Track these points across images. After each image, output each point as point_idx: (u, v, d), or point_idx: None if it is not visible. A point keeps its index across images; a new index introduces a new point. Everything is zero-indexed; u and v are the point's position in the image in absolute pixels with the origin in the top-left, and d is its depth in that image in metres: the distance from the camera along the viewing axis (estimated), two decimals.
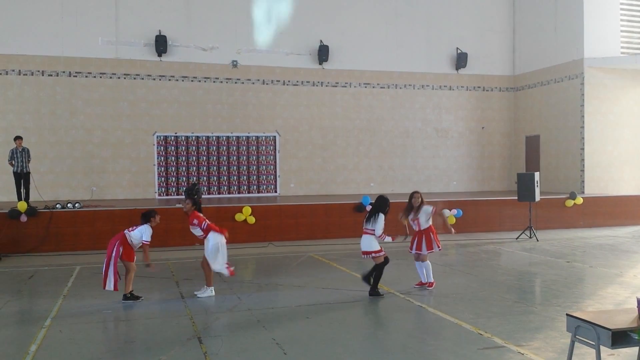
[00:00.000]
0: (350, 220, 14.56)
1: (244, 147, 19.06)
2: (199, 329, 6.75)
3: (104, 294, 8.42)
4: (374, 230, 8.32)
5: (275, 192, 19.33)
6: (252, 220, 14.36)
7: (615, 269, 10.44)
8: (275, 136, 19.31)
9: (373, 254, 8.34)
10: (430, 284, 8.85)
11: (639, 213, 17.68)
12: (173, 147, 18.44)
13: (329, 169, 19.89)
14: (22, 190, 14.10)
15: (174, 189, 18.39)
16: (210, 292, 8.45)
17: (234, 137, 18.95)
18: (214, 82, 18.79)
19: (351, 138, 20.11)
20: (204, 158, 18.71)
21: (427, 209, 8.84)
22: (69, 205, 13.73)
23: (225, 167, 18.91)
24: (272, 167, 19.34)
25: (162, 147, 18.32)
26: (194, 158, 18.60)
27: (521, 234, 14.89)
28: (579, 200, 16.93)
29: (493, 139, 21.76)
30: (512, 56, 22.03)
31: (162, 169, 18.34)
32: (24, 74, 17.17)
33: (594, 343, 4.38)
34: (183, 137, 18.49)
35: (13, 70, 17.09)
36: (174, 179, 18.45)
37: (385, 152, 20.46)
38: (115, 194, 17.78)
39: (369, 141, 20.31)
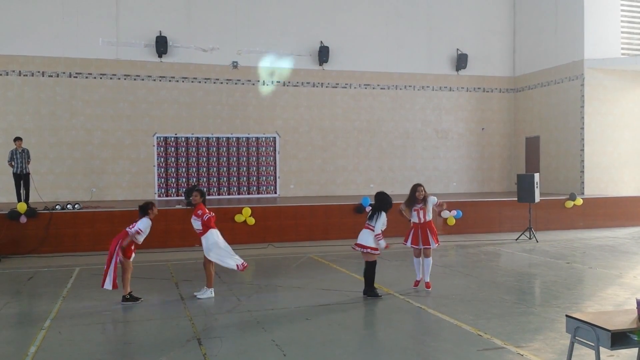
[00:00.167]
0: (350, 222, 14.56)
1: (244, 148, 19.07)
2: (199, 330, 6.74)
3: (103, 296, 8.41)
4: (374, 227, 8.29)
5: (275, 193, 19.33)
6: (251, 221, 14.36)
7: (615, 270, 10.44)
8: (275, 137, 19.31)
9: (369, 250, 8.24)
10: (429, 284, 8.82)
11: (638, 214, 17.67)
12: (173, 148, 18.45)
13: (329, 170, 19.89)
14: (21, 191, 14.08)
15: (173, 190, 18.40)
16: (210, 293, 8.45)
17: (234, 138, 18.96)
18: (214, 83, 18.80)
19: (351, 139, 20.12)
20: (204, 159, 18.72)
21: (433, 199, 8.86)
22: (68, 206, 13.73)
23: (225, 168, 18.91)
24: (272, 168, 19.35)
25: (162, 148, 18.33)
26: (194, 159, 18.61)
27: (521, 235, 14.88)
28: (579, 201, 16.92)
29: (493, 140, 21.77)
30: (512, 57, 22.03)
31: (162, 170, 18.34)
32: (24, 75, 17.18)
33: (593, 344, 4.38)
34: (183, 138, 18.50)
35: (13, 71, 17.10)
36: (173, 180, 18.45)
37: (385, 153, 20.46)
38: (115, 195, 17.78)
39: (369, 142, 20.31)
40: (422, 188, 8.83)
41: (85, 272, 10.67)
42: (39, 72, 17.30)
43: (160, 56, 18.12)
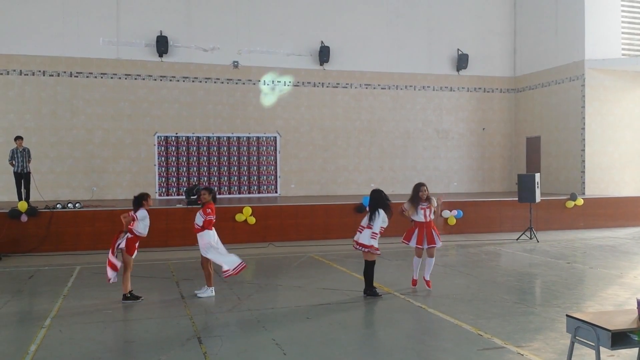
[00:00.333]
0: (351, 221, 14.50)
1: (245, 148, 19.07)
2: (199, 329, 6.75)
3: (104, 294, 8.43)
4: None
5: (276, 192, 19.33)
6: (252, 220, 14.36)
7: (616, 270, 10.44)
8: (275, 137, 19.32)
9: (370, 249, 8.22)
10: (429, 283, 8.83)
11: (639, 214, 17.67)
12: (174, 148, 18.45)
13: (330, 170, 19.89)
14: (22, 190, 14.11)
15: (174, 189, 18.40)
16: (210, 292, 8.46)
17: (235, 138, 18.96)
18: (215, 82, 18.80)
19: (352, 139, 20.12)
20: (205, 158, 18.72)
21: (433, 200, 8.87)
22: (69, 205, 13.74)
23: (225, 168, 18.92)
24: (272, 167, 19.35)
25: (162, 148, 18.33)
26: (195, 158, 18.61)
27: (521, 235, 14.88)
28: (580, 201, 16.92)
29: (494, 140, 21.76)
30: (513, 57, 22.03)
31: (163, 169, 18.35)
32: (25, 74, 17.19)
33: (593, 344, 4.38)
34: (184, 138, 18.50)
35: (14, 70, 17.11)
36: (174, 179, 18.46)
37: (385, 153, 20.46)
38: (115, 194, 17.79)
39: (370, 142, 20.32)
40: (425, 187, 8.83)
41: (85, 271, 10.68)
42: (39, 71, 17.31)
43: (160, 56, 18.13)
